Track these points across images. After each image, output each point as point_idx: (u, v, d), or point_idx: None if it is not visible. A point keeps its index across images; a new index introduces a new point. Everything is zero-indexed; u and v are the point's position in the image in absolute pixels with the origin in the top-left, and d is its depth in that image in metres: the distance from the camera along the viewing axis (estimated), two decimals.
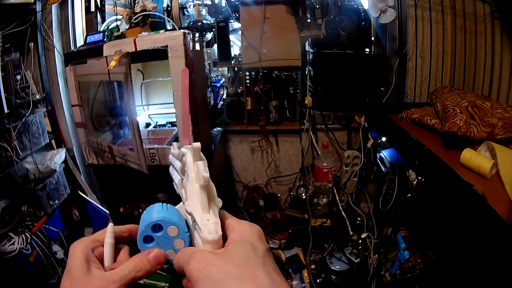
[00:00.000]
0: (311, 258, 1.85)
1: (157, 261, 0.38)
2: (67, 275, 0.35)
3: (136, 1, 1.57)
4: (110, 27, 1.68)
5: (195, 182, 0.39)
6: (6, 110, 1.54)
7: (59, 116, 1.91)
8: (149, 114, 1.93)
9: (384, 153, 1.46)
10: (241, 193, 2.18)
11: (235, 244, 0.34)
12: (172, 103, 1.28)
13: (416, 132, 1.19)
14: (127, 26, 1.54)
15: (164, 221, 0.38)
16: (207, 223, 0.36)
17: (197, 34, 1.38)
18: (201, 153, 0.42)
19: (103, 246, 0.39)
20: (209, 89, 1.85)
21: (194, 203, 0.38)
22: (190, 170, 0.40)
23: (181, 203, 0.44)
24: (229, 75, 2.00)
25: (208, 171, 0.39)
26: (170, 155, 0.53)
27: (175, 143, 0.57)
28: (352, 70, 1.67)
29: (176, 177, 0.48)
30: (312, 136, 1.92)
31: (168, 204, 0.42)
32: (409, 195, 1.27)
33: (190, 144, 0.42)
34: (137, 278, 0.36)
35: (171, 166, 0.52)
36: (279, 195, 2.13)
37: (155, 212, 0.40)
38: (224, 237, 0.36)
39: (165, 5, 1.73)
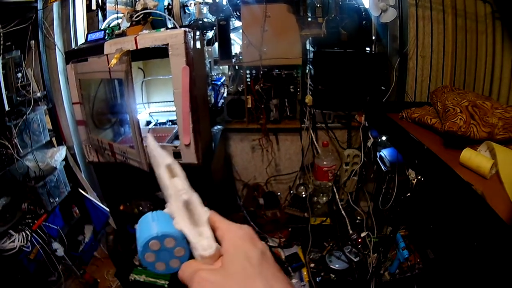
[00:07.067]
0: (311, 257, 1.85)
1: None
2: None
3: None
4: (111, 25, 1.68)
5: (177, 199, 0.39)
6: (7, 108, 1.54)
7: (60, 114, 1.92)
8: (150, 112, 1.93)
9: (384, 152, 1.47)
10: (241, 192, 2.18)
11: (229, 257, 0.35)
12: (172, 101, 1.27)
13: (416, 132, 1.19)
14: (128, 24, 1.53)
15: (157, 237, 0.37)
16: (200, 239, 0.37)
17: (198, 33, 1.38)
18: (176, 165, 0.41)
19: None
20: (210, 87, 1.85)
21: (182, 220, 0.38)
22: (170, 189, 0.40)
23: (169, 204, 0.41)
24: (229, 73, 2.00)
25: (187, 187, 0.39)
26: (151, 146, 0.45)
27: (149, 135, 0.50)
28: (353, 69, 1.67)
29: (162, 175, 0.43)
30: (312, 135, 1.92)
31: (158, 212, 0.40)
32: (409, 194, 1.27)
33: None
34: None
35: (153, 155, 0.44)
36: (279, 193, 2.13)
37: (146, 228, 0.38)
38: (217, 240, 0.37)
39: (166, 3, 1.73)
